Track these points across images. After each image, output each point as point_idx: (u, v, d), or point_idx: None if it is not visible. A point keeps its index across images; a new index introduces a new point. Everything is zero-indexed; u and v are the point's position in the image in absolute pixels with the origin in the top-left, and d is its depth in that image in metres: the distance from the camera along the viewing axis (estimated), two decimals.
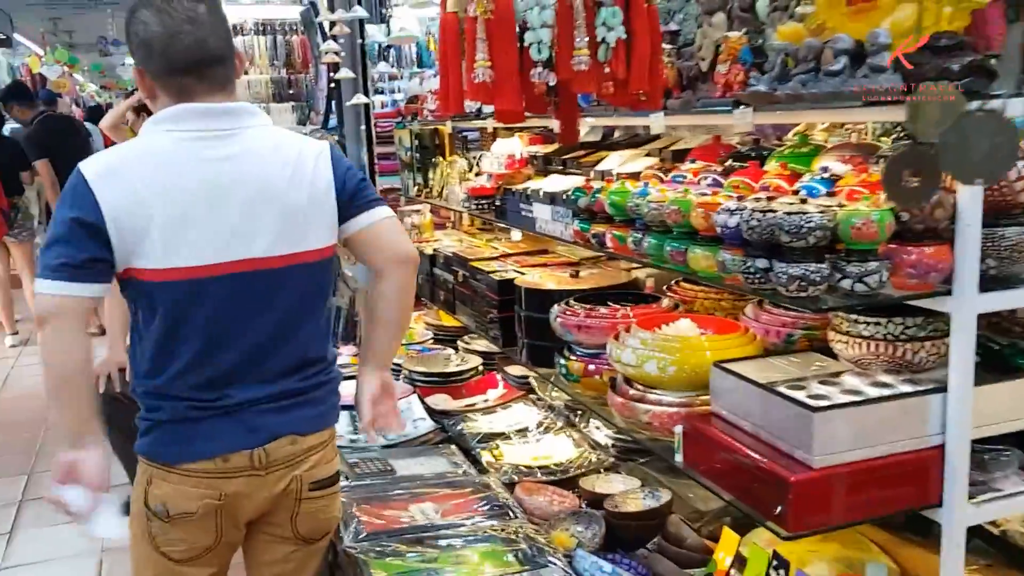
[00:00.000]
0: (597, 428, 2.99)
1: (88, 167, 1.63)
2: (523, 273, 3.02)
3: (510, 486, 2.65)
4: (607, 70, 1.93)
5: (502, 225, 3.62)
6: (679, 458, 1.88)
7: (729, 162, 2.17)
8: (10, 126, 7.02)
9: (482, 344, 3.72)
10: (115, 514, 1.69)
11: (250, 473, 1.72)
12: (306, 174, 1.73)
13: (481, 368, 3.65)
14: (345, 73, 4.43)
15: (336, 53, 4.21)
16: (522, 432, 3.10)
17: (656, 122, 2.16)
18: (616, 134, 3.29)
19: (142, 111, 3.70)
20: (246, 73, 8.35)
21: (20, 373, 5.63)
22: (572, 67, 1.90)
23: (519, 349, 2.82)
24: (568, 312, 2.42)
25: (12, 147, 6.49)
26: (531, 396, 3.38)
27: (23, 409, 4.87)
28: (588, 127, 3.15)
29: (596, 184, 2.39)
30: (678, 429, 1.88)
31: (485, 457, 2.89)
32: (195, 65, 1.65)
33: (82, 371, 1.66)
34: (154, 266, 1.64)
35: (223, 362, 1.71)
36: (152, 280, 1.65)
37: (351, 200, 1.79)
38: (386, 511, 2.42)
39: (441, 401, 3.42)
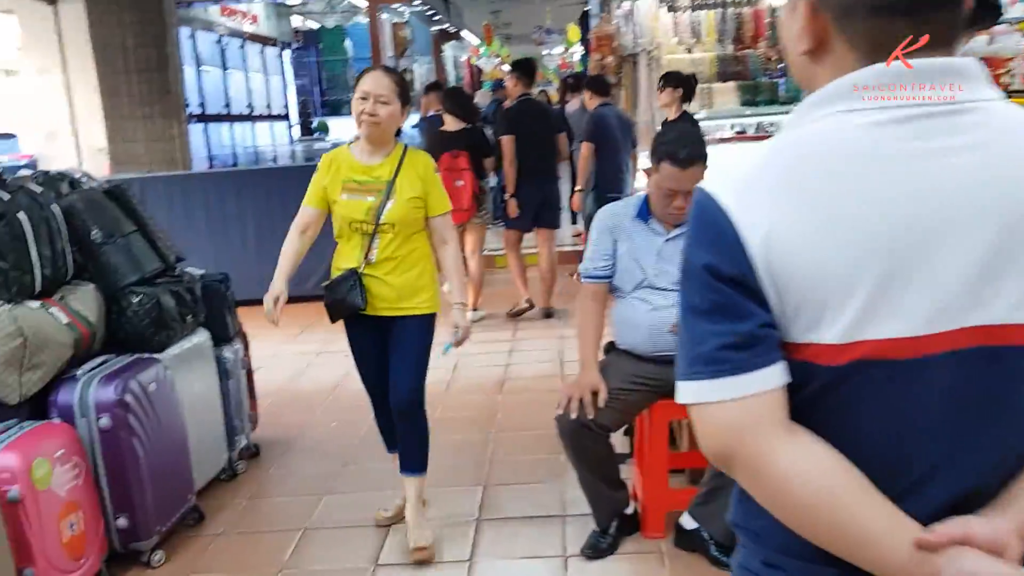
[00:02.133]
0: None
1: (719, 183, 0.96)
2: None
3: None
4: None
5: None
6: None
7: None
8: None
9: None
10: None
11: None
12: None
13: None
14: None
15: None
16: None
17: None
18: None
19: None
20: (689, 51, 7.75)
21: (467, 363, 5.52)
22: None
23: None
24: None
25: (480, 135, 6.43)
26: None
27: (470, 406, 4.68)
28: None
29: None
30: None
31: None
32: (918, 2, 0.92)
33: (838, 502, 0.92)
34: (835, 340, 0.90)
35: (921, 493, 0.95)
36: (828, 364, 0.91)
37: None
38: None
39: None
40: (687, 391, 0.96)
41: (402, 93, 2.97)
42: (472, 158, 6.04)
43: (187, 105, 9.24)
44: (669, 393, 2.85)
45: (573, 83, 9.51)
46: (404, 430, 3.22)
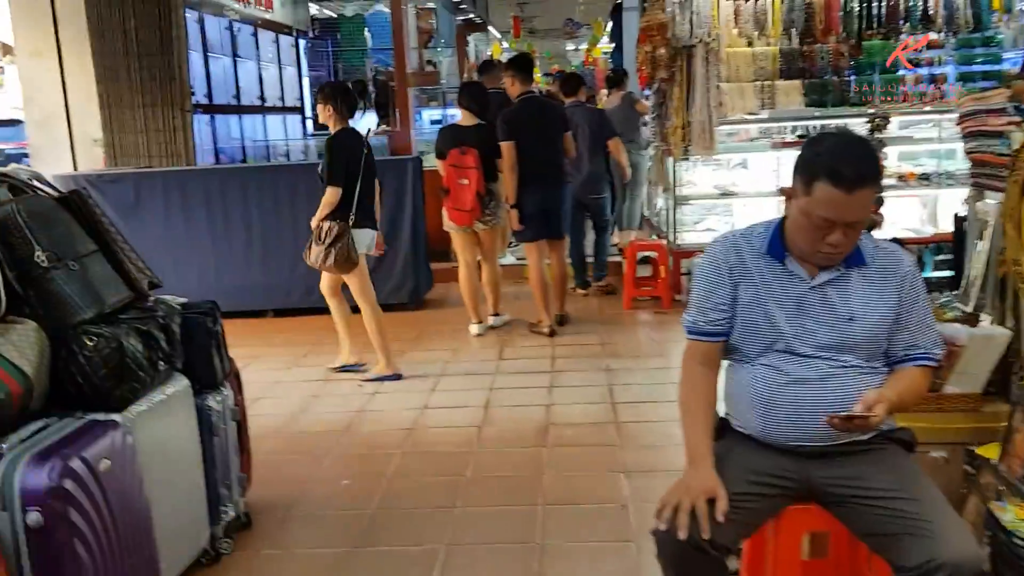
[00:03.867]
0: None
1: None
2: None
3: None
4: None
5: None
6: None
7: None
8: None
9: None
10: None
11: None
12: None
13: None
14: None
15: None
16: None
17: None
18: None
19: None
20: (750, 44, 6.93)
21: (500, 400, 4.71)
22: None
23: None
24: None
25: (493, 133, 5.87)
26: None
27: (507, 463, 3.88)
28: None
29: None
30: None
31: None
32: None
33: None
34: None
35: None
36: None
37: None
38: None
39: None
40: None
41: None
42: (482, 157, 5.65)
43: (193, 93, 8.47)
44: (807, 495, 2.01)
45: (614, 79, 8.72)
46: None
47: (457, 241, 6.06)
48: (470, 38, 12.58)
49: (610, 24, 17.70)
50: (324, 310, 6.82)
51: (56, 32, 7.88)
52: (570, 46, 22.30)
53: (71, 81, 7.99)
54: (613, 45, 15.99)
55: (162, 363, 2.71)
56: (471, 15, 12.90)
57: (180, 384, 2.85)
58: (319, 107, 5.02)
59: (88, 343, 2.49)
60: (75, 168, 7.73)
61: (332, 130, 4.97)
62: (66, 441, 2.28)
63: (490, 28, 16.37)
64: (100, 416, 2.48)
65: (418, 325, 6.47)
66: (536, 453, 3.90)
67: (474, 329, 6.07)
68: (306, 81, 12.54)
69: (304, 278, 6.84)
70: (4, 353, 2.32)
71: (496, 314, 6.25)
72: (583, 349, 5.60)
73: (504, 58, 17.76)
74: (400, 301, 6.89)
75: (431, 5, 11.36)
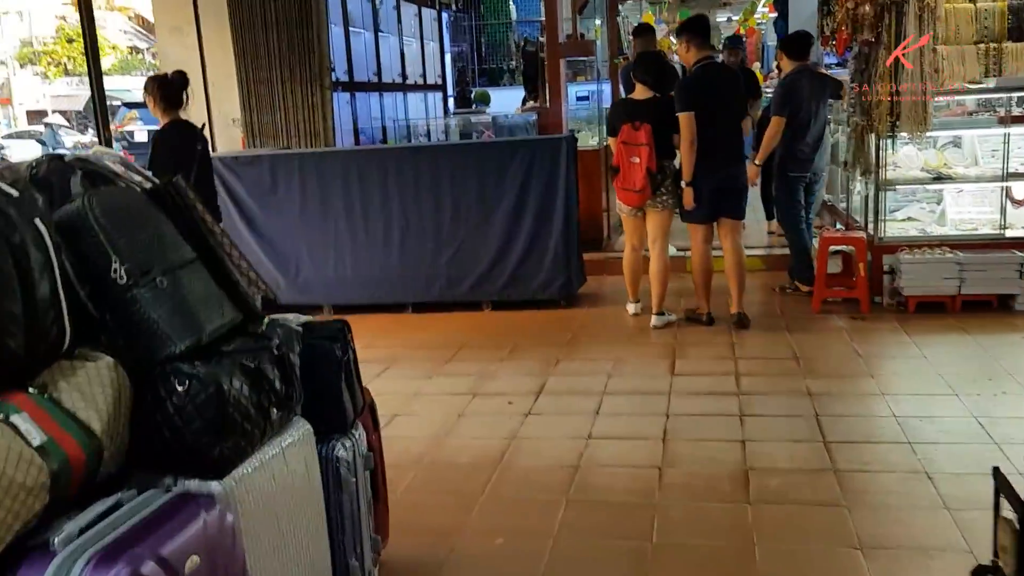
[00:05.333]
0: None
1: None
2: None
3: None
4: None
5: None
6: None
7: None
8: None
9: None
10: None
11: None
12: None
13: None
14: None
15: None
16: None
17: None
18: None
19: None
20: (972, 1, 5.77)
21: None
22: None
23: None
24: None
25: (670, 108, 5.30)
26: None
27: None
28: None
29: None
30: None
31: None
32: None
33: None
34: None
35: None
36: None
37: None
38: None
39: None
40: None
41: None
42: (657, 132, 5.21)
43: (332, 69, 7.98)
44: None
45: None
46: None
47: (627, 224, 5.66)
48: (622, 7, 11.73)
49: None
50: (470, 306, 6.25)
51: (195, 4, 7.53)
52: (721, 17, 20.90)
53: (209, 58, 7.65)
54: (775, 14, 14.67)
55: (275, 409, 2.06)
56: None
57: (299, 430, 2.20)
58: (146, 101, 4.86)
59: (178, 387, 1.86)
60: (213, 150, 7.39)
61: (160, 124, 4.85)
62: (141, 531, 1.65)
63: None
64: (193, 486, 1.85)
65: (572, 326, 5.73)
66: (738, 512, 3.07)
67: (631, 308, 5.79)
68: (447, 57, 11.98)
69: (447, 269, 6.23)
70: (64, 403, 1.71)
71: (660, 312, 5.53)
72: (773, 364, 4.71)
73: (657, 29, 16.69)
74: (551, 298, 6.16)
75: None
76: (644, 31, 7.85)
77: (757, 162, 6.02)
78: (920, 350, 4.77)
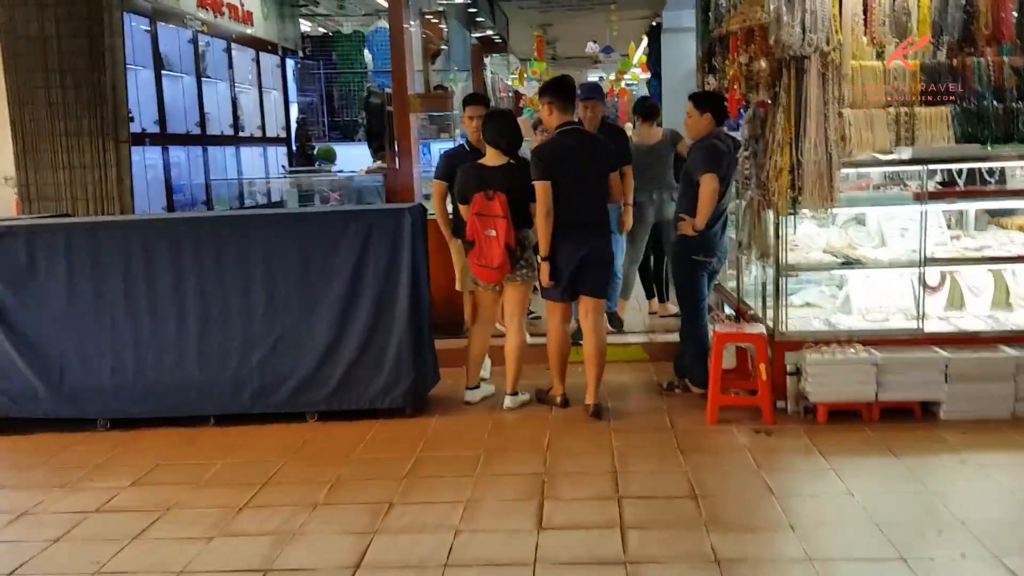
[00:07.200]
0: None
1: None
2: None
3: None
4: None
5: None
6: None
7: None
8: None
9: None
10: None
11: None
12: None
13: None
14: None
15: None
16: None
17: None
18: None
19: None
20: (880, 56, 5.03)
21: None
22: None
23: None
24: None
25: (526, 174, 4.70)
26: None
27: None
28: None
29: None
30: None
31: None
32: None
33: None
34: None
35: None
36: None
37: None
38: None
39: None
40: None
41: None
42: (512, 202, 4.77)
43: (132, 119, 6.60)
44: None
45: (646, 109, 6.74)
46: None
47: (481, 298, 5.14)
48: (487, 60, 10.86)
49: (641, 47, 15.92)
50: (291, 417, 4.96)
51: None
52: (592, 75, 20.54)
53: None
54: (648, 75, 14.20)
55: None
56: (489, 32, 11.16)
57: None
58: None
59: None
60: None
61: None
62: None
63: (510, 52, 14.62)
64: None
65: (417, 445, 4.54)
66: None
67: (470, 396, 5.22)
68: (294, 108, 10.73)
69: (260, 372, 4.94)
70: None
71: (514, 392, 5.06)
72: (666, 508, 3.65)
73: (526, 87, 15.97)
74: (393, 406, 4.96)
75: (441, 23, 9.52)
76: (476, 100, 5.94)
77: (697, 227, 4.85)
78: (843, 482, 3.82)
